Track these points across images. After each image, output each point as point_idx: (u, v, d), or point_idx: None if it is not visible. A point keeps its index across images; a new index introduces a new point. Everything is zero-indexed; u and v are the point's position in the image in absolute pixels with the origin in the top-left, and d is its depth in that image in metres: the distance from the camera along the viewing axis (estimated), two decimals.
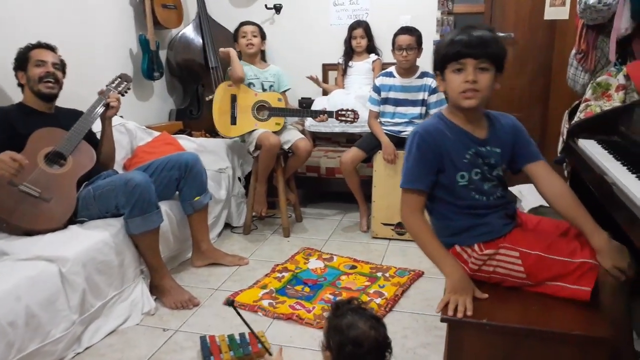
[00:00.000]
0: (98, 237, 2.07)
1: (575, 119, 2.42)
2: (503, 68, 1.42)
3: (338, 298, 2.10)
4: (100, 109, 2.37)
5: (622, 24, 2.09)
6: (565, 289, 1.35)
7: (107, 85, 2.48)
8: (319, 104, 3.54)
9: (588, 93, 2.41)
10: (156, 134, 3.21)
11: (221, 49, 3.15)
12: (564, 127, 2.61)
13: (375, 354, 1.26)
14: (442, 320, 1.34)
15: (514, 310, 1.36)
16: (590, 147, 1.90)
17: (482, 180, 1.45)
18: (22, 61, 2.25)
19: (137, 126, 3.15)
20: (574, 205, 1.43)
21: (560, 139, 2.65)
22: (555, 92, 3.57)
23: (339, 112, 3.01)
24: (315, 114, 3.07)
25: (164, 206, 2.47)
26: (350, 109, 3.01)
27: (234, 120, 3.09)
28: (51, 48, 2.32)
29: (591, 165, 1.75)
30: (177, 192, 2.55)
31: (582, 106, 2.43)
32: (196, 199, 2.52)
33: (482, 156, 1.45)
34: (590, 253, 1.36)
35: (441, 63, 1.42)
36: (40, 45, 2.28)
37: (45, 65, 2.24)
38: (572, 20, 3.38)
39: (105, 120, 2.43)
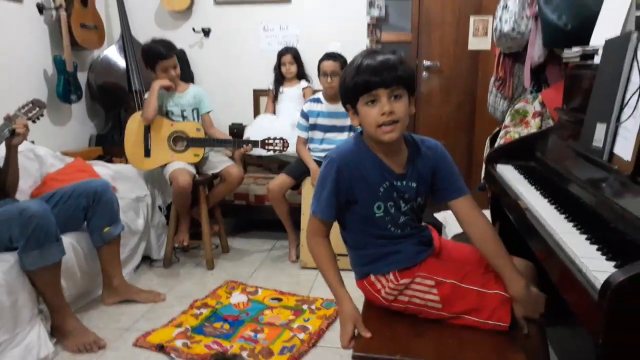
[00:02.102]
0: None
1: (496, 145, 2.46)
2: (414, 90, 1.35)
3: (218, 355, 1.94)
4: (5, 134, 2.15)
5: (535, 52, 2.15)
6: (484, 324, 1.31)
7: (16, 111, 2.27)
8: (250, 130, 3.45)
9: (507, 120, 2.47)
10: (70, 160, 2.98)
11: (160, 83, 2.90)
12: (486, 153, 2.65)
13: None
14: (354, 357, 1.24)
15: (430, 344, 1.29)
16: (507, 173, 1.90)
17: (397, 212, 1.39)
18: None
19: (48, 152, 2.92)
20: (495, 246, 1.37)
21: (483, 166, 2.69)
22: (480, 119, 3.67)
23: (266, 142, 2.90)
24: (239, 144, 2.94)
25: (70, 238, 2.27)
26: (278, 137, 2.91)
27: (147, 153, 2.91)
28: None
29: (507, 190, 1.74)
30: (85, 223, 2.35)
31: (502, 132, 2.47)
32: (106, 229, 2.33)
33: (397, 190, 1.38)
34: (504, 286, 1.32)
35: (351, 96, 1.32)
36: None
37: None
38: (494, 50, 3.50)
39: (11, 148, 2.21)
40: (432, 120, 3.75)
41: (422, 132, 3.64)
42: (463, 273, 1.36)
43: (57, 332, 2.08)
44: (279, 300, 2.45)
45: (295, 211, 2.99)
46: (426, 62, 3.69)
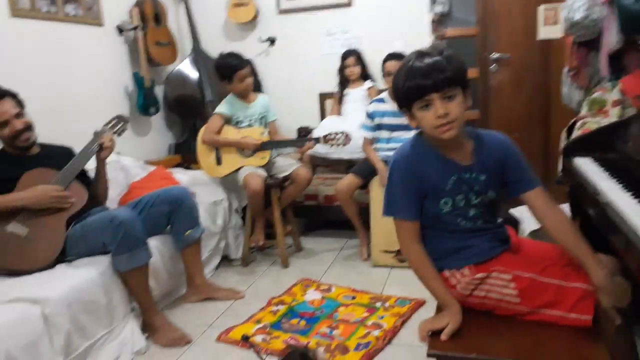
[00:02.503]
0: (85, 276, 2.03)
1: (572, 137, 2.36)
2: (468, 83, 1.33)
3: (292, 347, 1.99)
4: (95, 148, 2.35)
5: (612, 39, 2.05)
6: (564, 318, 1.28)
7: (103, 126, 2.48)
8: (315, 133, 3.52)
9: (584, 110, 2.36)
10: (152, 168, 3.19)
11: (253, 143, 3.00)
12: (562, 146, 2.55)
13: None
14: (429, 355, 1.26)
15: (505, 343, 1.27)
16: (585, 166, 1.82)
17: (467, 206, 1.39)
18: None
19: (133, 162, 3.15)
20: (573, 236, 1.34)
21: (560, 159, 2.59)
22: (555, 110, 3.52)
23: (327, 137, 2.94)
24: (300, 143, 3.00)
25: (156, 241, 2.43)
26: (339, 131, 2.93)
27: (219, 161, 3.07)
28: (1, 96, 2.15)
29: (585, 184, 1.67)
30: (169, 227, 2.51)
31: (578, 124, 2.37)
32: (187, 233, 2.48)
33: (466, 182, 1.38)
34: (585, 277, 1.28)
35: (405, 102, 1.34)
36: None
37: (10, 124, 2.15)
38: (565, 38, 3.35)
39: (100, 161, 2.41)
40: (504, 114, 3.64)
41: (494, 126, 3.56)
42: (542, 267, 1.33)
43: (147, 328, 2.24)
44: (353, 297, 2.49)
45: (364, 210, 3.02)
46: (494, 55, 3.59)
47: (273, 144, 3.06)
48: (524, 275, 1.32)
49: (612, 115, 2.24)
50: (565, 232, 1.35)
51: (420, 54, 1.31)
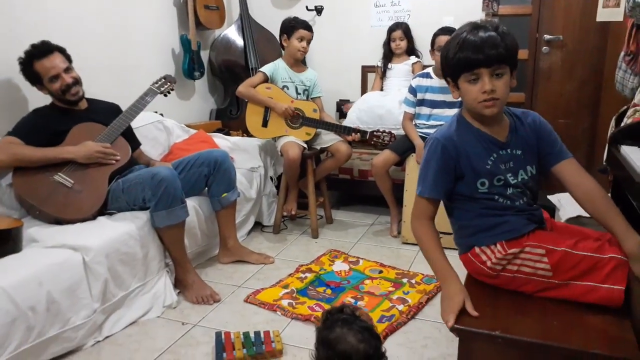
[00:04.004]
0: (123, 229, 2.11)
1: (622, 125, 2.26)
2: (516, 65, 1.34)
3: (331, 305, 2.03)
4: (144, 103, 2.45)
5: None
6: (595, 289, 1.26)
7: (151, 85, 2.55)
8: (355, 107, 3.50)
9: (637, 98, 2.25)
10: (193, 132, 3.26)
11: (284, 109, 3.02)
12: (610, 134, 2.45)
13: None
14: (452, 330, 1.26)
15: (531, 323, 1.27)
16: (633, 155, 1.75)
17: (505, 187, 1.38)
18: (32, 76, 2.22)
19: (175, 124, 3.22)
20: (605, 205, 1.34)
21: (607, 147, 2.49)
22: (606, 98, 3.37)
23: (374, 133, 2.93)
24: (348, 131, 3.00)
25: (193, 202, 2.50)
26: (387, 130, 2.93)
27: (265, 123, 3.09)
28: (50, 50, 2.21)
29: (632, 173, 1.61)
30: (206, 188, 2.58)
31: (630, 111, 2.27)
32: (224, 195, 2.54)
33: (504, 160, 1.37)
34: (620, 250, 1.27)
35: (452, 73, 1.34)
36: (41, 54, 2.19)
37: (60, 79, 2.22)
38: (625, 21, 3.18)
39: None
40: (552, 98, 3.51)
41: (540, 110, 3.42)
42: (574, 241, 1.32)
43: (179, 284, 2.33)
44: (380, 272, 2.51)
45: (398, 188, 3.01)
46: (547, 36, 3.45)
47: (319, 123, 3.06)
48: (557, 248, 1.31)
49: None
50: (597, 200, 1.35)
51: (475, 27, 1.30)
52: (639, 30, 2.21)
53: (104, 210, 2.26)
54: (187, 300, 2.26)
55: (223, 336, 1.89)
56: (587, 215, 2.23)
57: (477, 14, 3.52)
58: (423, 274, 2.46)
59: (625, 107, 2.37)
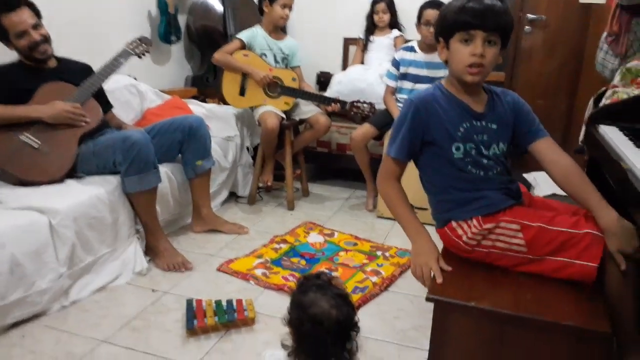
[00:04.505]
0: (93, 193, 2.04)
1: (600, 105, 2.28)
2: (507, 43, 1.35)
3: (306, 273, 2.03)
4: (121, 62, 2.35)
5: None
6: (568, 265, 1.26)
7: (125, 46, 2.44)
8: (336, 80, 3.44)
9: (616, 79, 2.27)
10: (167, 97, 3.17)
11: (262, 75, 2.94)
12: (588, 114, 2.47)
13: (337, 334, 1.20)
14: (427, 299, 1.26)
15: (506, 295, 1.27)
16: (611, 134, 1.76)
17: (478, 155, 1.38)
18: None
19: (149, 89, 3.11)
20: (581, 181, 1.36)
21: (584, 128, 2.51)
22: (585, 80, 3.39)
23: (354, 104, 2.89)
24: (327, 102, 2.95)
25: (166, 168, 2.44)
26: (367, 101, 2.89)
27: (242, 92, 3.01)
28: (18, 4, 2.08)
29: (609, 152, 1.62)
30: (180, 155, 2.51)
31: (608, 92, 2.28)
32: (198, 163, 2.47)
33: (477, 131, 1.38)
34: (596, 225, 1.27)
35: (447, 31, 1.34)
36: (7, 7, 2.06)
37: (28, 35, 2.09)
38: (609, 3, 3.19)
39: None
40: (531, 78, 3.51)
41: (518, 91, 3.38)
42: (550, 216, 1.32)
43: (150, 252, 2.28)
44: (354, 244, 2.50)
45: (375, 162, 2.96)
46: (530, 16, 3.44)
47: (298, 92, 3.00)
48: (532, 224, 1.31)
49: None
50: (573, 177, 1.37)
51: None
52: (622, 11, 2.20)
53: (73, 173, 2.18)
54: (158, 267, 2.22)
55: (194, 303, 1.85)
56: (562, 193, 2.26)
57: None
58: (397, 247, 2.46)
59: (604, 88, 2.38)
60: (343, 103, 2.91)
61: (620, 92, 2.22)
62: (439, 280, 1.29)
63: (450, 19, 1.32)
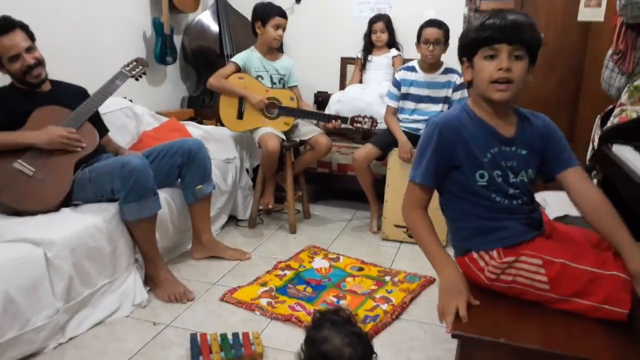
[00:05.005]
0: (90, 222, 1.96)
1: (609, 124, 2.25)
2: (536, 59, 1.28)
3: (323, 307, 1.95)
4: (117, 84, 2.29)
5: None
6: (597, 309, 1.19)
7: (121, 68, 2.38)
8: (335, 99, 3.40)
9: (624, 97, 2.24)
10: (164, 119, 3.10)
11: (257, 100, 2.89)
12: (595, 133, 2.44)
13: None
14: (454, 336, 1.18)
15: (533, 330, 1.20)
16: (627, 154, 1.72)
17: (505, 183, 1.31)
18: None
19: (145, 111, 3.05)
20: (612, 219, 1.26)
21: (590, 146, 2.48)
22: (585, 97, 3.39)
23: (355, 119, 2.84)
24: (328, 119, 2.90)
25: (165, 193, 2.36)
26: (368, 115, 2.84)
27: (240, 115, 2.95)
28: (12, 27, 2.01)
29: (629, 173, 1.58)
30: (179, 180, 2.43)
31: (616, 111, 2.25)
32: (198, 187, 2.40)
33: (506, 157, 1.30)
34: (623, 267, 1.20)
35: (470, 49, 1.28)
36: (0, 30, 1.99)
37: (21, 59, 2.03)
38: (607, 22, 3.19)
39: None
40: (532, 95, 3.49)
41: (520, 106, 3.42)
42: (575, 252, 1.25)
43: (150, 281, 2.18)
44: (361, 269, 2.43)
45: (378, 182, 2.93)
46: None
47: (297, 112, 2.95)
48: (555, 260, 1.23)
49: None
50: (602, 213, 1.28)
51: (504, 10, 1.25)
52: (628, 29, 2.18)
53: (69, 201, 2.09)
54: (158, 298, 2.12)
55: (199, 338, 1.77)
56: (576, 214, 2.20)
57: (459, 9, 3.48)
58: (406, 272, 2.39)
59: (611, 106, 2.36)
60: (344, 119, 2.86)
61: (628, 110, 2.19)
62: (465, 319, 1.20)
63: (473, 36, 1.26)
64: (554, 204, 2.33)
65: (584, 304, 1.21)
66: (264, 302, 2.07)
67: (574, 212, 2.29)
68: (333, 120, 2.87)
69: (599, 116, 2.45)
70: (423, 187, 1.34)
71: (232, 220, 3.06)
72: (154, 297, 2.13)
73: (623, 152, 1.76)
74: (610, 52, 2.36)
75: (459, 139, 1.29)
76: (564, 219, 2.22)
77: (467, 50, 1.29)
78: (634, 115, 2.14)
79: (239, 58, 2.96)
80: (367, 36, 3.51)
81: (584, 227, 1.51)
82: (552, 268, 1.23)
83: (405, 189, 1.38)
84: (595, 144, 2.40)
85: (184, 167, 2.39)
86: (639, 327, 1.17)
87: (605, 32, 3.21)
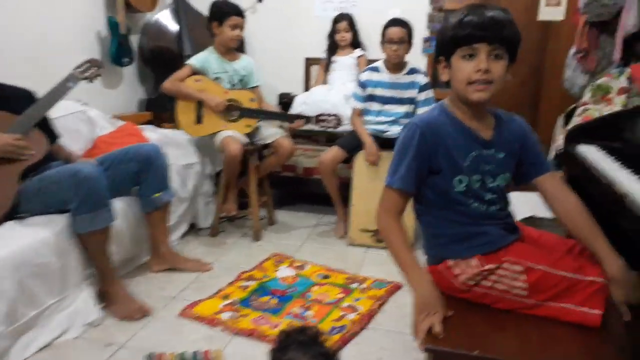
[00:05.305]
0: (37, 236, 1.82)
1: (572, 123, 2.24)
2: (516, 57, 1.22)
3: (288, 321, 1.87)
4: (70, 86, 2.13)
5: (630, 21, 1.92)
6: (572, 312, 1.17)
7: (73, 70, 2.23)
8: (299, 101, 3.33)
9: (586, 96, 2.24)
10: (120, 123, 2.95)
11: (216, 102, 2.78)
12: (558, 132, 2.44)
13: None
14: (426, 350, 1.12)
15: (509, 340, 1.16)
16: (593, 154, 1.71)
17: (482, 189, 1.26)
18: None
19: (100, 114, 2.90)
20: (590, 226, 1.25)
21: (552, 145, 2.48)
22: (546, 96, 3.41)
23: (320, 117, 2.76)
24: (291, 119, 2.81)
25: (120, 203, 2.23)
26: (332, 113, 2.76)
27: (199, 119, 2.83)
28: None
29: (596, 174, 1.56)
30: (136, 188, 2.30)
31: (579, 110, 2.26)
32: (156, 195, 2.27)
33: (485, 161, 1.26)
34: (600, 272, 1.19)
35: (448, 48, 1.21)
36: None
37: None
38: (567, 21, 3.22)
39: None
40: (493, 96, 3.51)
41: None
42: (555, 258, 1.22)
43: (104, 298, 2.05)
44: (327, 277, 2.35)
45: (344, 186, 2.87)
46: None
47: (258, 113, 2.84)
48: (536, 267, 1.20)
49: (616, 104, 2.13)
50: (579, 217, 1.27)
51: (482, 6, 1.18)
52: (591, 27, 2.19)
53: (14, 214, 1.94)
54: (112, 316, 1.99)
55: (156, 359, 1.65)
56: (541, 215, 2.18)
57: (424, 7, 3.46)
58: (373, 278, 2.33)
59: (574, 105, 2.36)
60: (308, 118, 2.77)
61: (591, 109, 2.20)
62: (440, 336, 1.14)
63: (450, 34, 1.19)
64: (518, 204, 2.31)
65: (559, 307, 1.19)
66: (226, 316, 1.97)
67: (539, 213, 2.28)
68: (296, 120, 2.78)
69: (561, 116, 2.46)
70: (401, 193, 1.26)
71: (193, 229, 2.93)
72: (107, 315, 2.00)
73: (589, 152, 1.74)
74: (573, 50, 2.36)
75: (440, 142, 1.23)
76: (529, 220, 2.21)
77: (444, 49, 1.23)
78: (597, 114, 2.14)
79: (195, 60, 2.85)
80: (331, 36, 3.45)
81: (551, 228, 1.49)
82: (533, 275, 1.20)
83: (381, 194, 1.30)
84: (559, 143, 2.40)
85: (141, 174, 2.26)
86: (613, 331, 1.15)
87: (565, 32, 3.24)
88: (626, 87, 2.08)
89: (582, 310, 1.16)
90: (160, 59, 3.55)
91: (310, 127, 2.86)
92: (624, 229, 1.33)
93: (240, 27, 2.81)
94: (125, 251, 2.28)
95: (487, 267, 1.21)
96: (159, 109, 3.53)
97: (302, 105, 3.24)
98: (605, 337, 1.14)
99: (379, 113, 2.79)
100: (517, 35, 1.18)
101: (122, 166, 2.23)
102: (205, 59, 2.84)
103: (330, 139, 3.33)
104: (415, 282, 1.23)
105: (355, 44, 3.44)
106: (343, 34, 3.38)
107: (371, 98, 2.78)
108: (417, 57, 3.38)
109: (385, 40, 2.67)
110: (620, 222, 1.33)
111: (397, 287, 2.25)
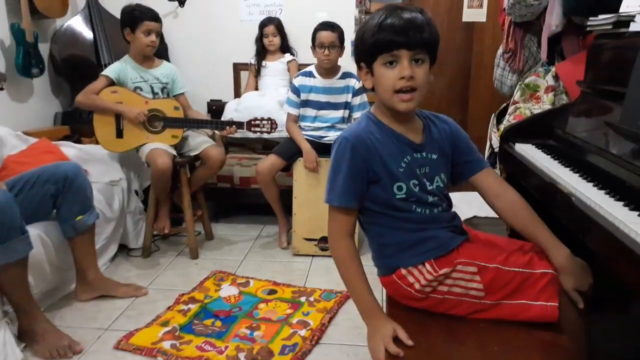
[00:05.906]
0: None
1: (505, 122, 2.30)
2: (436, 58, 1.20)
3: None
4: None
5: (553, 21, 1.98)
6: (528, 307, 1.16)
7: None
8: (230, 108, 3.20)
9: (516, 95, 2.30)
10: (34, 140, 2.69)
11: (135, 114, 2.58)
12: (492, 131, 2.49)
13: None
14: None
15: (470, 350, 1.13)
16: (531, 153, 1.73)
17: (423, 192, 1.23)
18: None
19: (8, 131, 2.62)
20: (532, 218, 1.26)
21: (488, 144, 2.53)
22: (474, 95, 3.52)
23: (252, 123, 2.65)
24: (221, 126, 2.69)
25: (37, 229, 2.01)
26: (265, 118, 2.66)
27: (120, 133, 2.63)
28: None
29: (537, 172, 1.57)
30: (55, 211, 2.09)
31: (511, 109, 2.31)
32: (78, 218, 2.07)
33: (419, 164, 1.23)
34: (549, 264, 1.19)
35: (367, 55, 1.17)
36: None
37: None
38: (489, 22, 3.34)
39: None
40: (424, 97, 3.57)
41: None
42: (505, 255, 1.21)
43: (25, 336, 1.84)
44: (274, 292, 2.25)
45: (285, 194, 2.78)
46: None
47: (184, 122, 2.69)
48: (489, 265, 1.19)
49: (545, 101, 2.20)
50: (521, 210, 1.28)
51: (398, 8, 1.13)
52: (516, 28, 2.25)
53: None
54: (37, 356, 1.79)
55: None
56: (483, 215, 2.20)
57: (350, 11, 3.45)
58: (321, 290, 2.26)
59: (505, 104, 2.42)
60: (239, 124, 2.65)
61: (522, 107, 2.26)
62: (400, 354, 1.09)
63: (369, 39, 1.14)
64: (460, 205, 2.34)
65: (516, 304, 1.17)
66: (167, 345, 1.82)
67: (481, 212, 2.31)
68: (227, 127, 2.65)
69: (494, 114, 2.51)
70: (345, 210, 1.21)
71: (123, 250, 2.73)
72: (31, 355, 1.79)
73: (526, 150, 1.77)
74: (500, 51, 2.42)
75: (373, 152, 1.19)
76: (471, 220, 2.24)
77: (364, 56, 1.18)
78: (528, 113, 2.20)
79: (110, 70, 2.65)
80: (259, 40, 3.37)
81: (493, 228, 1.50)
82: (487, 274, 1.18)
83: (329, 216, 1.23)
84: (493, 142, 2.45)
85: (60, 197, 2.06)
86: (569, 322, 1.16)
87: (487, 32, 3.36)
88: (553, 85, 2.15)
89: (539, 304, 1.15)
90: (75, 69, 3.31)
91: (243, 134, 2.76)
92: (566, 225, 1.35)
93: (155, 32, 2.65)
94: (46, 282, 2.07)
95: (442, 272, 1.18)
96: (77, 123, 3.27)
97: (233, 112, 3.13)
98: (562, 328, 1.14)
99: (315, 119, 2.73)
100: (436, 36, 1.16)
101: (38, 189, 2.02)
102: (120, 68, 2.65)
103: (266, 146, 3.24)
104: (367, 314, 1.20)
105: (285, 48, 3.37)
106: (271, 38, 3.30)
107: (306, 104, 2.72)
108: (347, 61, 3.36)
109: (316, 45, 2.61)
110: (561, 218, 1.35)
111: (346, 297, 2.20)
